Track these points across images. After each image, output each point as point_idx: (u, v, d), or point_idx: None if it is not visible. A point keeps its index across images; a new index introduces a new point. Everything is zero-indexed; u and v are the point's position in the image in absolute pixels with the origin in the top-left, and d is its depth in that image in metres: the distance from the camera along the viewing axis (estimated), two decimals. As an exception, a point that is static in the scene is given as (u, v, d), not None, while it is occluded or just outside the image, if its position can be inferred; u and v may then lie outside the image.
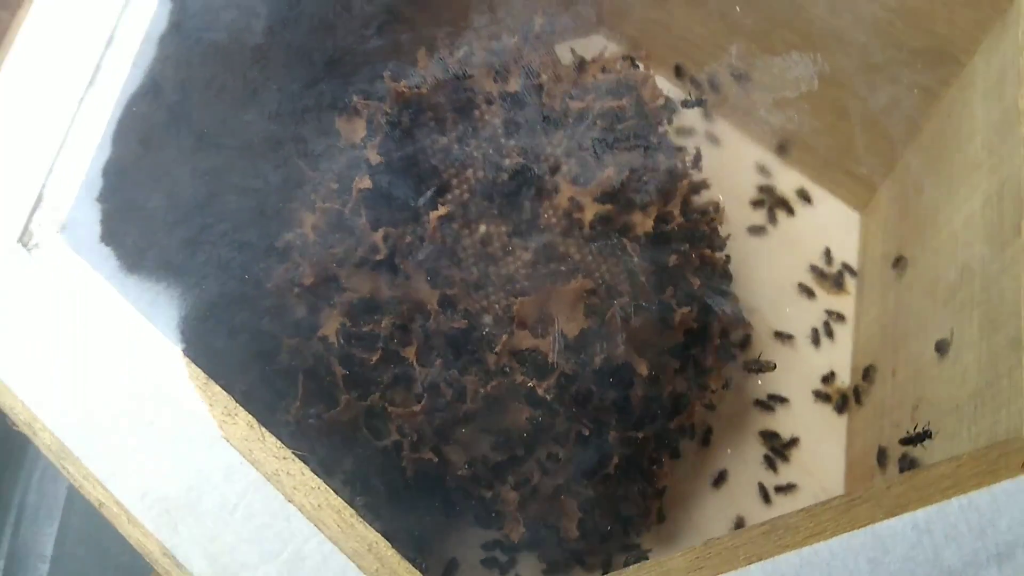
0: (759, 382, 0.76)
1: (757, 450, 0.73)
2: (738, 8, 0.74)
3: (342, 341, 0.58)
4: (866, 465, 0.69)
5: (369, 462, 0.60)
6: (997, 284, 0.54)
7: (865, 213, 0.82)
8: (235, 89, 0.57)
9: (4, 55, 0.53)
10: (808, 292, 0.79)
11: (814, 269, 0.80)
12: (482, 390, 0.57)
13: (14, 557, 0.73)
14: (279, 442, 0.45)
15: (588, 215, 0.59)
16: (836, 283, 0.80)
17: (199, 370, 0.47)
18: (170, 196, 0.58)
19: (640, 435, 0.62)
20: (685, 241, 0.62)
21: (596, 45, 0.85)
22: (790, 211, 0.83)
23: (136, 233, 0.57)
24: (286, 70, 0.58)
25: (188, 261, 0.56)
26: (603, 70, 0.64)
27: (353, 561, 0.43)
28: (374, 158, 0.59)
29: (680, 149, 0.66)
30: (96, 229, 0.55)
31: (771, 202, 0.83)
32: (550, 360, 0.57)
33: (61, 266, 0.49)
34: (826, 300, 0.79)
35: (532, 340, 0.57)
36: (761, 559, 0.44)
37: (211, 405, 0.46)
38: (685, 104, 0.67)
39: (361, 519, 0.44)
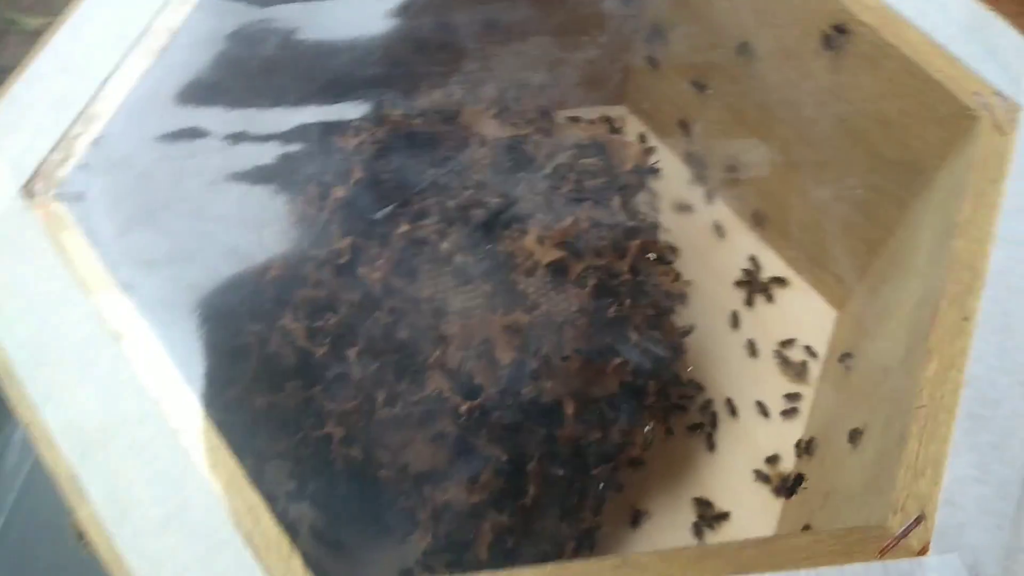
0: (707, 448, 0.78)
1: (688, 515, 0.76)
2: (730, 99, 0.79)
3: (295, 332, 0.63)
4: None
5: (302, 449, 0.65)
6: (902, 384, 0.56)
7: (842, 312, 0.84)
8: (237, 92, 0.63)
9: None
10: (772, 374, 0.82)
11: (780, 355, 0.82)
12: (411, 399, 0.61)
13: None
14: (198, 402, 0.50)
15: (544, 258, 0.64)
16: (798, 372, 0.82)
17: (152, 327, 0.52)
18: (172, 177, 0.65)
19: (561, 472, 0.65)
20: (628, 297, 0.65)
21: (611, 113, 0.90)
22: (769, 298, 0.86)
23: (134, 207, 0.63)
24: (289, 84, 0.64)
25: (172, 234, 0.62)
26: (584, 130, 0.69)
27: (231, 519, 0.47)
28: (356, 173, 0.64)
29: (642, 214, 0.70)
30: (99, 198, 0.61)
31: (752, 286, 0.86)
32: (479, 383, 0.61)
33: (53, 218, 0.55)
34: (786, 386, 0.82)
35: (465, 361, 0.61)
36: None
37: (149, 358, 0.51)
38: (641, 172, 0.71)
39: (250, 483, 0.48)
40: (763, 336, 0.84)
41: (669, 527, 0.75)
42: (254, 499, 0.48)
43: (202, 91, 0.63)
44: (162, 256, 0.60)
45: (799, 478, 0.60)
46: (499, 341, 0.62)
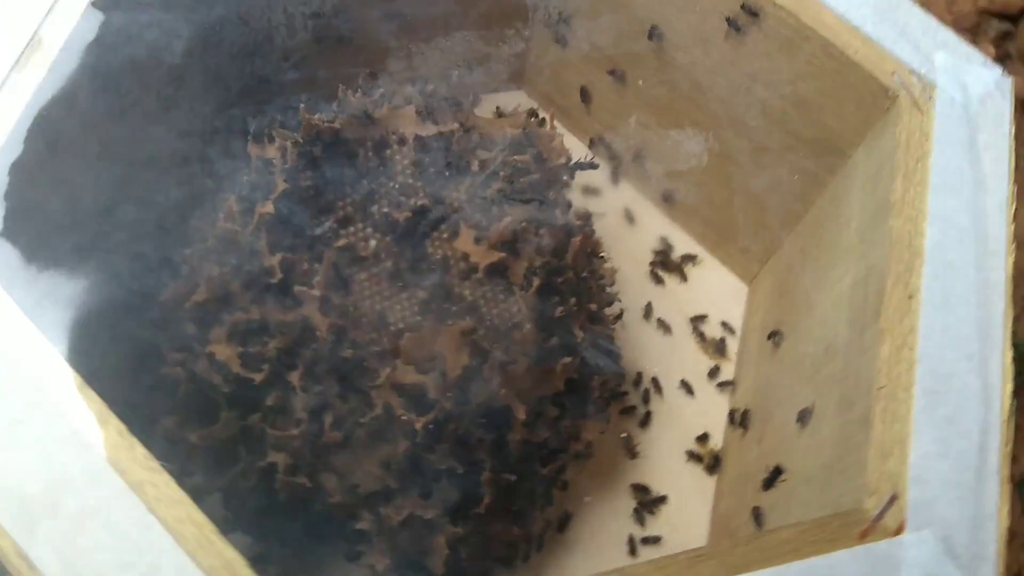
0: (634, 437, 0.78)
1: (628, 502, 0.76)
2: (640, 81, 0.78)
3: (227, 359, 0.58)
4: (728, 526, 0.71)
5: (243, 482, 0.61)
6: (855, 364, 0.58)
7: (752, 287, 0.86)
8: (147, 105, 0.57)
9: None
10: (692, 353, 0.83)
11: (698, 331, 0.84)
12: (361, 420, 0.58)
13: None
14: (148, 453, 0.46)
15: (483, 261, 0.61)
16: (718, 348, 0.83)
17: (75, 373, 0.47)
18: (70, 201, 0.58)
19: (513, 478, 0.64)
20: (573, 295, 0.64)
21: (515, 100, 0.88)
22: (683, 277, 0.87)
23: (32, 233, 0.57)
24: (201, 92, 0.59)
25: (79, 265, 0.56)
26: (511, 124, 0.67)
27: (209, 578, 0.43)
28: (280, 184, 0.60)
29: (572, 207, 0.68)
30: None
31: (665, 266, 0.86)
32: (431, 397, 0.58)
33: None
34: (707, 363, 0.83)
35: (415, 375, 0.59)
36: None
37: (84, 410, 0.46)
38: (580, 166, 0.69)
39: (221, 536, 0.44)
40: (679, 314, 0.85)
41: (610, 514, 0.75)
42: (229, 553, 0.44)
43: (103, 104, 0.57)
44: (76, 291, 0.54)
45: (777, 471, 0.60)
46: (448, 352, 0.59)
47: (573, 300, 0.64)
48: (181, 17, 0.55)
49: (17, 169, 0.53)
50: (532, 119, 0.68)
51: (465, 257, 0.62)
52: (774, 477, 0.61)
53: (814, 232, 0.73)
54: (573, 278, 0.64)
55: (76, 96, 0.56)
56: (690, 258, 0.87)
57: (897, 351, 0.55)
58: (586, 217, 0.67)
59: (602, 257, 0.70)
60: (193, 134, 0.60)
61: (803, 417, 0.62)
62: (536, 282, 0.62)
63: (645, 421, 0.79)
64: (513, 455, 0.64)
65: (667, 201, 0.87)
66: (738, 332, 0.84)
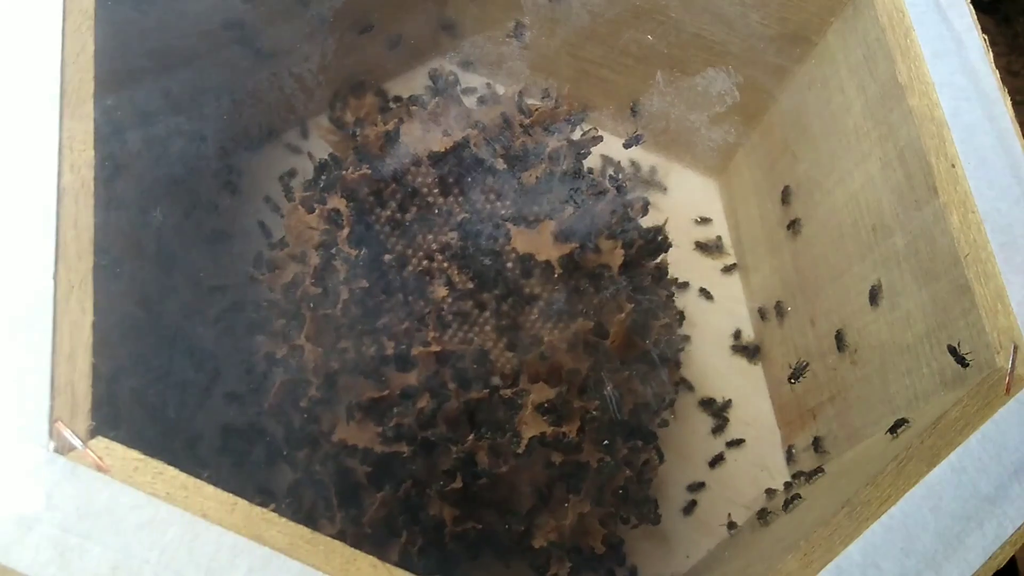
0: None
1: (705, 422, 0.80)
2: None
3: (367, 442, 0.57)
4: (803, 407, 0.77)
5: (410, 547, 0.60)
6: (923, 239, 0.63)
7: (722, 182, 0.90)
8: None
9: None
10: (695, 259, 0.87)
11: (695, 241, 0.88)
12: (516, 450, 0.59)
13: None
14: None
15: (554, 256, 0.62)
16: (717, 247, 0.87)
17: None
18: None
19: (640, 442, 0.66)
20: (649, 256, 0.66)
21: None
22: (664, 190, 0.89)
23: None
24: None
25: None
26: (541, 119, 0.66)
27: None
28: (348, 250, 0.57)
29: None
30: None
31: (634, 183, 0.89)
32: (573, 405, 0.59)
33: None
34: (713, 264, 0.87)
35: (550, 390, 0.59)
36: (853, 539, 0.50)
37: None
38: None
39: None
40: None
41: (689, 434, 0.79)
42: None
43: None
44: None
45: (840, 338, 0.65)
46: (572, 357, 0.60)
47: (650, 260, 0.66)
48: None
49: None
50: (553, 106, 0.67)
51: (545, 262, 0.61)
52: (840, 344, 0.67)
53: (796, 122, 0.77)
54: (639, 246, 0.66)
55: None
56: (652, 167, 0.90)
57: (964, 217, 0.60)
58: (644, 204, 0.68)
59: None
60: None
61: (874, 295, 0.67)
62: (618, 264, 0.63)
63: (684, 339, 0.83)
64: (630, 420, 0.66)
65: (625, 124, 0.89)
66: (724, 226, 0.88)
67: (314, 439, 0.58)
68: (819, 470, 0.67)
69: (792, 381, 0.75)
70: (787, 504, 0.65)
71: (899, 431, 0.61)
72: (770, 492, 0.74)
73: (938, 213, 0.61)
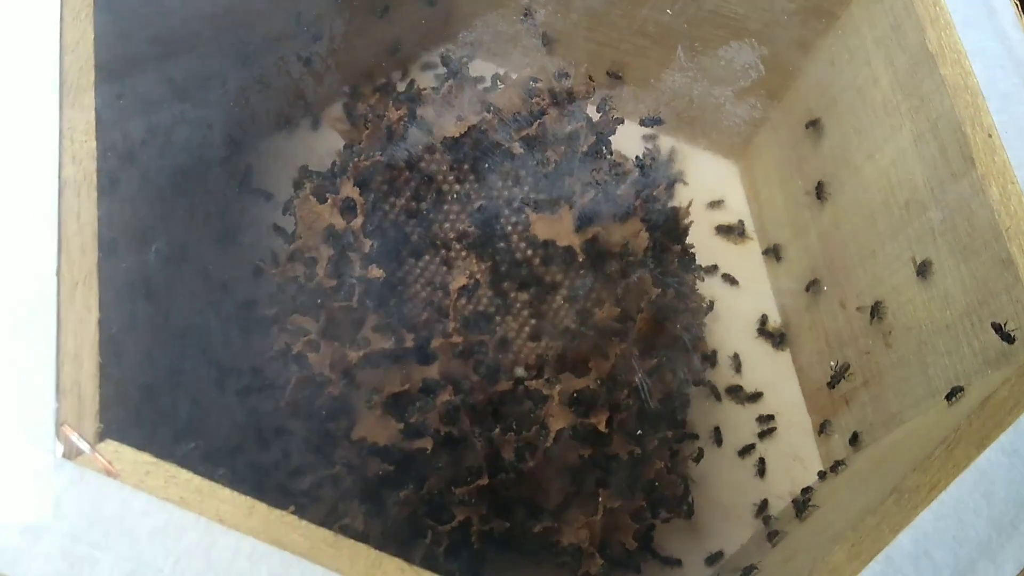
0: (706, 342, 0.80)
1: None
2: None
3: (388, 438, 0.55)
4: (834, 394, 0.74)
5: (435, 548, 0.58)
6: (961, 213, 0.60)
7: (743, 161, 0.87)
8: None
9: None
10: (717, 244, 0.84)
11: (715, 225, 0.85)
12: (544, 443, 0.56)
13: None
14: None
15: (576, 241, 0.59)
16: (740, 232, 0.85)
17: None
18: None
19: (670, 433, 0.64)
20: (674, 240, 0.63)
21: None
22: (683, 182, 0.87)
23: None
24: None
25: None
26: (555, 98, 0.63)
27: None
28: (364, 245, 0.55)
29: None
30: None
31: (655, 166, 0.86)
32: (601, 395, 0.57)
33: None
34: (736, 249, 0.85)
35: (577, 381, 0.57)
36: (903, 527, 0.48)
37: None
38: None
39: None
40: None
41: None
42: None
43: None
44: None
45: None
46: (599, 347, 0.57)
47: (677, 245, 0.63)
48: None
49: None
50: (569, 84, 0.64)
51: (566, 248, 0.59)
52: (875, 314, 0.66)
53: (820, 96, 0.75)
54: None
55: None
56: (672, 151, 0.87)
57: (1003, 188, 0.57)
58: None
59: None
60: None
61: (923, 271, 0.64)
62: (645, 246, 0.60)
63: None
64: (662, 409, 0.64)
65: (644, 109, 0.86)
66: (746, 209, 0.86)
67: (333, 437, 0.56)
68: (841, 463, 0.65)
69: (832, 386, 0.72)
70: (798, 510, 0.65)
71: (956, 398, 0.58)
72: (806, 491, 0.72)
73: (976, 185, 0.59)
